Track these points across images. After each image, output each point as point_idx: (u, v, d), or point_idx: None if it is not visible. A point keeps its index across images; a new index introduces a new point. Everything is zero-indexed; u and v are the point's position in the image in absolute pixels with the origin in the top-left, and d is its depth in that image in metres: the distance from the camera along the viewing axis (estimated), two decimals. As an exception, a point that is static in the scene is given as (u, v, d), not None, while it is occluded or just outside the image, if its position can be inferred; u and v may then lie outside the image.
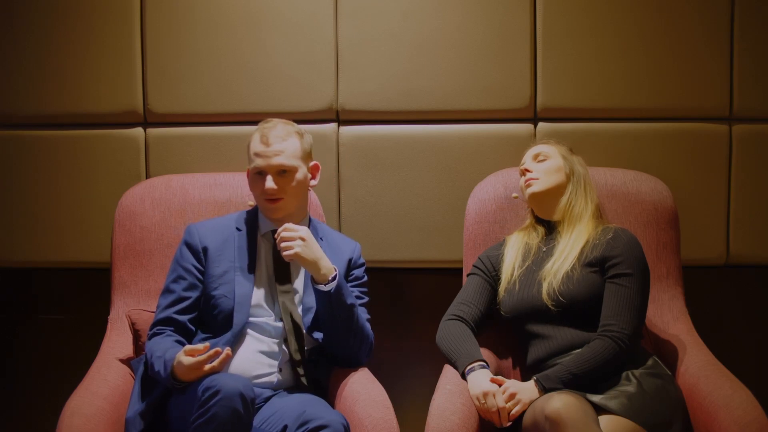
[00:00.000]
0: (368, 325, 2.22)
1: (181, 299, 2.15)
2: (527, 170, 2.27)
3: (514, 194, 2.38)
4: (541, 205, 2.28)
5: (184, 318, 2.14)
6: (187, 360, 1.94)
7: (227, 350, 1.95)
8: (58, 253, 2.71)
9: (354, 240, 2.37)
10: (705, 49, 2.62)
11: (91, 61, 2.67)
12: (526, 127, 2.64)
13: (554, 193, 2.25)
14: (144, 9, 2.66)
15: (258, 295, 2.17)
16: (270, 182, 2.15)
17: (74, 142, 2.69)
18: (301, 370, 2.14)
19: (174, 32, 2.66)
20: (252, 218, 2.27)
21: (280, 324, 2.16)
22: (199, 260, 2.18)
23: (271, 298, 2.18)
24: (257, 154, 2.17)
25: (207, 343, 1.97)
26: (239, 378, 1.89)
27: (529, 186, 2.26)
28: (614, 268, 2.12)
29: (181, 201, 2.50)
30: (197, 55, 2.66)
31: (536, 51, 2.64)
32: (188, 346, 1.96)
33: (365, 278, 2.32)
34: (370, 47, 2.65)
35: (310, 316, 2.19)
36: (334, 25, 2.65)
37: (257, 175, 2.19)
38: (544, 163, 2.27)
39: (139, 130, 2.69)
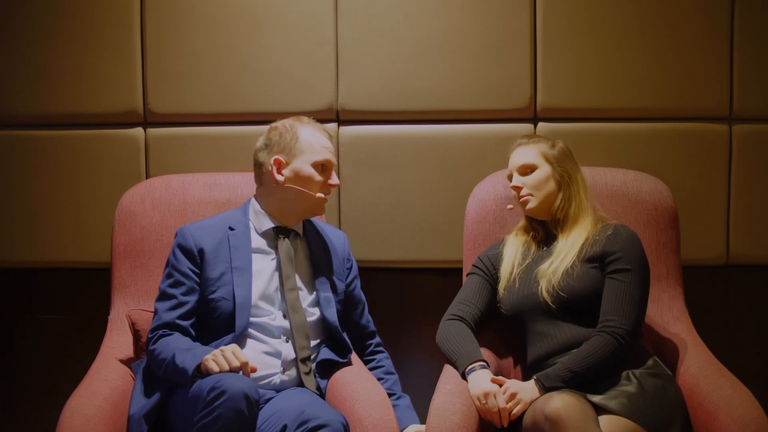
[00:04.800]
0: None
1: (181, 304, 2.13)
2: (518, 188, 2.24)
3: (509, 206, 2.35)
4: (539, 214, 2.27)
5: (186, 323, 2.12)
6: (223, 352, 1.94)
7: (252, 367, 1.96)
8: (58, 253, 2.71)
9: (341, 231, 2.43)
10: (705, 49, 2.62)
11: (91, 61, 2.67)
12: (526, 127, 2.64)
13: (549, 201, 2.24)
14: (144, 9, 2.66)
15: (258, 294, 2.17)
16: (336, 177, 2.24)
17: (74, 142, 2.69)
18: (306, 368, 2.15)
19: (174, 32, 2.66)
20: (244, 217, 2.26)
21: (282, 323, 2.16)
22: (195, 263, 2.16)
23: (272, 297, 2.18)
24: (327, 148, 2.23)
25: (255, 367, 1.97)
26: (244, 379, 1.88)
27: (524, 204, 2.23)
28: (614, 264, 2.12)
29: (181, 201, 2.50)
30: (197, 55, 2.66)
31: (536, 51, 2.64)
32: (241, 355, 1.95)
33: (356, 267, 2.39)
34: (370, 47, 2.65)
35: (332, 311, 2.23)
36: (334, 25, 2.65)
37: (321, 168, 2.21)
38: (533, 176, 2.22)
39: (139, 130, 2.69)
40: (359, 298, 2.37)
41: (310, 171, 2.20)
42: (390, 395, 2.25)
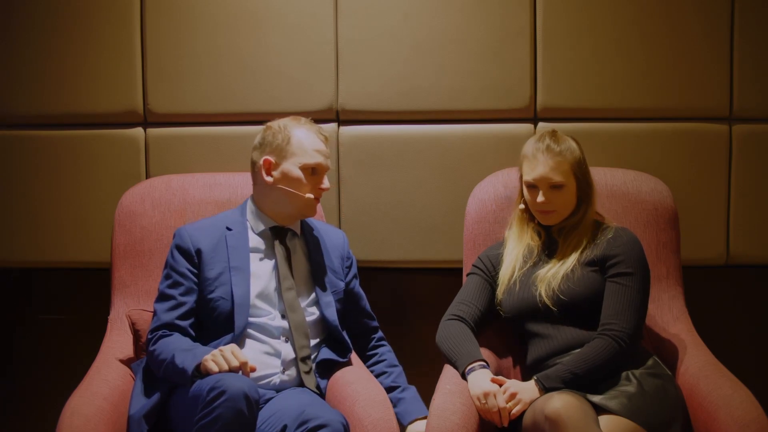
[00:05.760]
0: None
1: (180, 304, 2.13)
2: (545, 203, 2.16)
3: (521, 206, 2.30)
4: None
5: (185, 323, 2.12)
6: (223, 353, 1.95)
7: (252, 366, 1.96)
8: (58, 253, 2.71)
9: (341, 230, 2.43)
10: (705, 49, 2.62)
11: (91, 61, 2.67)
12: (526, 127, 2.64)
13: (567, 214, 2.21)
14: (144, 9, 2.66)
15: (256, 294, 2.17)
16: (327, 181, 2.22)
17: (74, 142, 2.69)
18: (306, 367, 2.15)
19: (174, 32, 2.66)
20: (241, 217, 2.26)
21: (281, 323, 2.16)
22: (193, 264, 2.16)
23: (271, 297, 2.18)
24: (319, 151, 2.20)
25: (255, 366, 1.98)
26: (244, 379, 1.88)
27: (547, 218, 2.20)
28: (614, 267, 2.12)
29: (181, 201, 2.50)
30: (197, 55, 2.66)
31: (536, 51, 2.64)
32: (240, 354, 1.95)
33: (355, 265, 2.39)
34: (370, 47, 2.65)
35: (332, 310, 2.22)
36: (334, 25, 2.65)
37: (312, 171, 2.19)
38: (562, 196, 2.16)
39: (139, 130, 2.69)
40: (359, 293, 2.37)
41: (298, 174, 2.19)
42: (395, 388, 2.26)
